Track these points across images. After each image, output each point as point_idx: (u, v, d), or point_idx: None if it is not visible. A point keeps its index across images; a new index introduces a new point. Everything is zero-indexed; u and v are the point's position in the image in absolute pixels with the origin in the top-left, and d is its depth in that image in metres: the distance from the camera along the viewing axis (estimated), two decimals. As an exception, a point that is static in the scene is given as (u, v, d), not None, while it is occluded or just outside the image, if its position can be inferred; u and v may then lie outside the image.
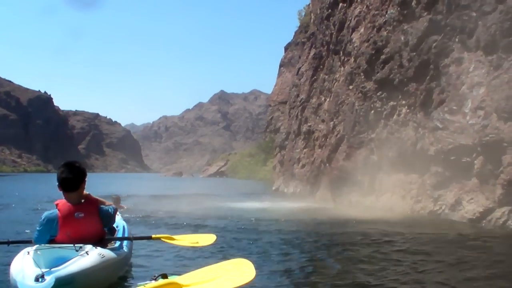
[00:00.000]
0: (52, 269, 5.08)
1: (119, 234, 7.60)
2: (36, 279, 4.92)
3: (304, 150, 30.25)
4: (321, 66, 28.80)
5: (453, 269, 7.95)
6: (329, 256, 9.06)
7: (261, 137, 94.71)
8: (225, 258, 8.17)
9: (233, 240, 10.82)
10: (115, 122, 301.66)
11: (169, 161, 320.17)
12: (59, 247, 5.77)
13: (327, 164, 23.72)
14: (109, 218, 6.60)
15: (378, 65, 18.65)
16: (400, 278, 7.18)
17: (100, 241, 6.33)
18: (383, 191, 18.59)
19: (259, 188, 42.88)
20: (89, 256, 5.62)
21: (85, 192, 6.49)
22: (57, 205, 6.28)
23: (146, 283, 3.76)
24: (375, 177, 19.13)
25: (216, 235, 7.56)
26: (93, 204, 6.40)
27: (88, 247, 5.81)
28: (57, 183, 6.28)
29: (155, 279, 3.86)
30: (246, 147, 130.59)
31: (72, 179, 6.23)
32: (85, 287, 5.39)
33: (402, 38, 17.37)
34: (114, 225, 7.68)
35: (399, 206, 17.31)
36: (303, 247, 10.10)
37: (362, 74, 19.95)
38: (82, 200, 6.35)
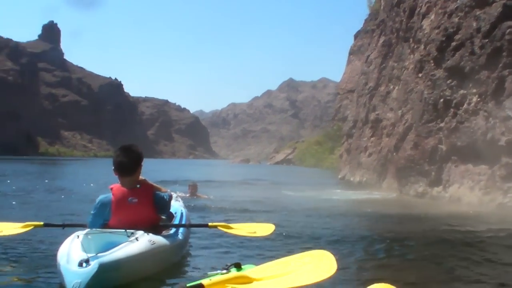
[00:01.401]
0: (98, 254, 5.02)
1: (176, 221, 7.50)
2: (80, 264, 4.86)
3: (372, 138, 29.82)
4: (390, 54, 28.28)
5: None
6: (403, 252, 8.70)
7: (329, 125, 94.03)
8: (290, 250, 8.03)
9: (295, 231, 10.53)
10: (184, 108, 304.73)
11: (237, 148, 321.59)
12: (110, 232, 5.73)
13: (394, 153, 23.29)
14: (164, 205, 6.52)
15: (449, 53, 18.11)
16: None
17: (154, 228, 6.24)
18: (451, 182, 18.13)
19: (325, 176, 42.58)
20: (139, 242, 5.54)
21: (142, 177, 6.42)
22: (111, 189, 6.25)
23: (217, 272, 3.56)
24: (442, 167, 18.67)
25: (276, 225, 7.42)
26: (148, 190, 6.33)
27: (140, 233, 5.74)
28: (112, 167, 6.22)
29: (227, 269, 3.64)
30: (314, 135, 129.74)
31: (127, 163, 6.19)
32: (132, 274, 5.34)
33: (474, 24, 16.82)
34: (173, 212, 7.60)
35: (467, 197, 16.87)
36: (373, 242, 9.78)
37: (432, 61, 19.43)
38: (138, 186, 6.28)
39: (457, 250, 8.45)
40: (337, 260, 3.20)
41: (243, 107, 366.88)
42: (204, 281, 2.87)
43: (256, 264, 3.77)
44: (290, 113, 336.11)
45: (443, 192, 18.54)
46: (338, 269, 5.94)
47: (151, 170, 44.82)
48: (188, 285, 2.77)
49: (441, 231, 10.55)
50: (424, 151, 19.62)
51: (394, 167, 23.37)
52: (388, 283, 2.30)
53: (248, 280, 3.04)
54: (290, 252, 3.71)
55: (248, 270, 3.42)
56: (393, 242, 9.25)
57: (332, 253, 3.40)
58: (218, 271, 3.54)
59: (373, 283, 2.30)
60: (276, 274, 3.17)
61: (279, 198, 19.40)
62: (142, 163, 6.38)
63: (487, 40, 16.06)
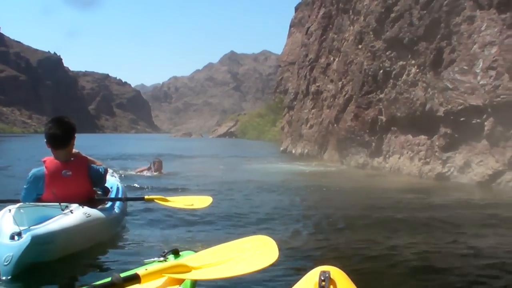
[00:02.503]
0: (31, 227, 4.86)
1: (112, 195, 7.34)
2: (12, 237, 4.71)
3: (312, 110, 29.92)
4: (330, 26, 28.34)
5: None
6: (348, 227, 8.66)
7: (270, 97, 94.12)
8: (232, 227, 7.92)
9: (235, 207, 10.37)
10: (125, 82, 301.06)
11: (179, 121, 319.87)
12: (44, 206, 5.55)
13: (335, 125, 23.43)
14: (99, 178, 6.33)
15: (388, 24, 18.19)
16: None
17: (89, 201, 6.08)
18: (391, 153, 18.33)
19: (267, 148, 42.68)
20: (73, 215, 5.41)
21: (75, 150, 6.23)
22: (44, 162, 6.03)
23: (154, 260, 3.43)
24: (383, 138, 18.86)
25: (213, 198, 7.31)
26: (82, 163, 6.15)
27: (74, 206, 5.60)
28: (45, 140, 6.02)
29: (164, 256, 3.51)
30: (256, 108, 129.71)
31: (60, 136, 5.97)
32: (65, 246, 5.20)
33: (413, -5, 16.89)
34: (109, 186, 7.45)
35: (407, 167, 17.09)
36: (316, 218, 9.72)
37: (371, 33, 19.50)
38: (72, 158, 6.09)
39: (399, 225, 8.40)
40: (279, 244, 3.11)
41: (184, 81, 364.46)
42: (140, 271, 2.73)
43: (195, 250, 3.66)
44: (231, 86, 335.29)
45: (384, 163, 18.76)
46: (281, 254, 5.92)
47: (94, 145, 44.43)
48: (122, 275, 2.63)
49: (384, 207, 10.53)
50: (364, 122, 19.77)
51: (335, 138, 23.54)
52: (333, 265, 2.22)
53: (186, 269, 2.92)
54: (228, 234, 3.59)
55: (186, 257, 3.29)
56: (336, 220, 9.23)
57: (273, 236, 3.28)
58: (155, 259, 3.42)
59: (316, 266, 2.22)
60: (216, 262, 3.05)
61: (213, 172, 19.34)
62: (75, 135, 6.18)
63: (425, 11, 16.14)
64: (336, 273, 2.18)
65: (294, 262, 5.97)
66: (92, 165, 6.30)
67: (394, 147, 18.13)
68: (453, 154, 15.11)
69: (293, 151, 32.99)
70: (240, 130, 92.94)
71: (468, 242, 7.03)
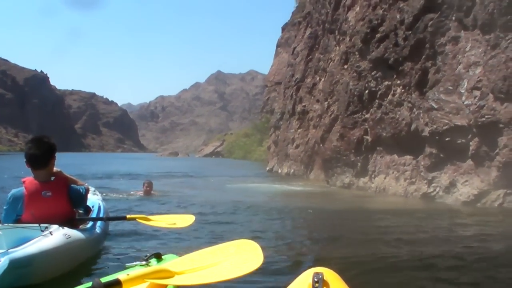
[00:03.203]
0: (9, 250, 4.72)
1: (93, 214, 7.24)
2: None
3: (299, 130, 29.96)
4: (317, 46, 28.48)
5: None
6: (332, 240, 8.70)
7: (257, 117, 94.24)
8: (214, 239, 7.87)
9: (220, 223, 10.38)
10: (112, 101, 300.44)
11: (165, 141, 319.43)
12: (23, 227, 5.39)
13: (321, 145, 23.41)
14: (80, 198, 6.21)
15: (373, 44, 18.24)
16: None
17: (69, 222, 5.97)
18: (376, 172, 18.32)
19: (253, 168, 42.59)
20: (53, 237, 5.28)
21: (57, 169, 6.15)
22: (24, 182, 5.91)
23: (136, 264, 3.36)
24: (368, 158, 18.84)
25: (196, 217, 7.26)
26: (62, 183, 6.03)
27: (54, 227, 5.48)
28: (24, 160, 5.93)
29: (146, 260, 3.44)
30: (243, 128, 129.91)
31: (39, 156, 5.85)
32: (46, 270, 5.08)
33: (398, 16, 16.95)
34: (90, 205, 7.36)
35: (393, 187, 17.07)
36: (291, 225, 9.75)
37: (357, 53, 19.55)
38: (52, 178, 6.00)
39: (385, 242, 8.43)
40: (263, 250, 3.06)
41: (171, 100, 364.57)
42: (121, 276, 2.66)
43: (178, 255, 3.60)
44: (218, 105, 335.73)
45: (369, 183, 18.73)
46: (266, 261, 5.91)
47: (81, 164, 44.29)
48: (103, 280, 2.57)
49: (370, 224, 10.57)
50: (350, 142, 19.75)
51: (321, 158, 23.52)
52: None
53: (169, 274, 2.85)
54: (212, 243, 3.54)
55: (169, 262, 3.23)
56: (319, 238, 9.23)
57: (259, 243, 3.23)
58: (137, 263, 3.36)
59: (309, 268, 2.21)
60: (199, 267, 2.97)
61: (199, 191, 19.23)
62: (55, 155, 6.06)
63: (410, 32, 16.21)
64: (329, 274, 2.17)
65: (283, 266, 5.99)
66: (73, 185, 6.18)
67: (380, 167, 18.12)
68: (438, 174, 15.10)
69: (279, 171, 32.96)
70: (227, 150, 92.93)
71: (455, 254, 7.05)
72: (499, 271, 6.31)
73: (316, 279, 2.07)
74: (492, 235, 9.09)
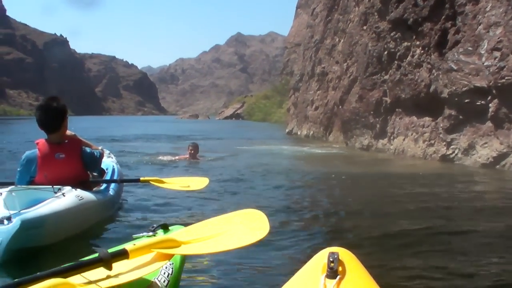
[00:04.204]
0: (21, 211, 4.75)
1: (107, 177, 7.29)
2: (1, 221, 4.59)
3: (318, 92, 29.83)
4: (336, 7, 28.18)
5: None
6: (343, 209, 8.63)
7: (277, 79, 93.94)
8: (231, 206, 7.81)
9: (235, 188, 10.36)
10: (132, 64, 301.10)
11: (185, 103, 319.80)
12: (36, 189, 5.42)
13: (340, 106, 23.34)
14: (93, 161, 6.24)
15: (392, 5, 18.01)
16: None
17: (82, 184, 6.00)
18: (395, 134, 18.25)
19: (273, 130, 42.55)
20: (65, 198, 5.31)
21: (71, 132, 6.16)
22: (37, 144, 5.94)
23: (143, 235, 3.38)
24: (387, 119, 18.76)
25: (211, 182, 7.27)
26: (76, 145, 6.06)
27: (67, 188, 5.51)
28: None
29: (153, 231, 3.45)
30: (263, 90, 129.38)
31: (48, 121, 5.85)
32: (58, 231, 5.12)
33: (418, -24, 16.72)
34: (104, 167, 7.39)
35: (412, 149, 17.02)
36: (304, 199, 9.68)
37: (376, 14, 19.34)
38: (65, 141, 6.01)
39: (406, 210, 8.32)
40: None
41: (191, 62, 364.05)
42: (128, 246, 2.68)
43: (184, 224, 3.61)
44: (238, 67, 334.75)
45: (388, 145, 18.68)
46: (280, 238, 5.89)
47: (101, 127, 44.52)
48: (110, 251, 2.58)
49: (390, 191, 10.42)
50: (369, 103, 19.66)
51: (340, 120, 23.48)
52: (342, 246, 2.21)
53: (175, 244, 2.86)
54: (223, 213, 3.53)
55: (175, 232, 3.24)
56: (338, 204, 9.19)
57: (265, 212, 3.22)
58: (144, 234, 3.36)
59: (316, 246, 2.22)
60: (206, 236, 2.98)
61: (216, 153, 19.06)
62: (67, 116, 6.03)
63: (430, -9, 15.99)
64: (345, 254, 2.17)
65: (300, 244, 5.94)
66: (86, 148, 6.22)
67: (399, 128, 18.04)
68: (457, 136, 15.00)
69: (299, 133, 32.94)
70: (247, 112, 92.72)
71: (477, 224, 6.99)
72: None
73: (331, 259, 2.07)
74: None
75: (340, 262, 2.08)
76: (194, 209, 7.60)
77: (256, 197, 9.12)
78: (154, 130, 42.73)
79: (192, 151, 15.43)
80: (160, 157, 16.00)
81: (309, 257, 2.22)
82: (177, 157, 15.78)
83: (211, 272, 4.78)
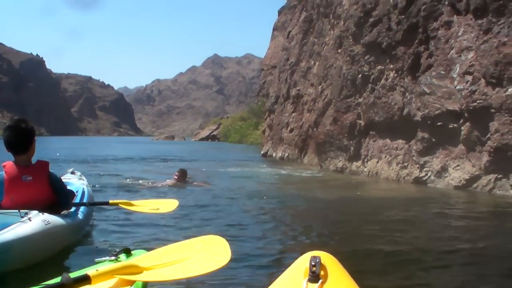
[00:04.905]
0: None
1: (77, 200, 7.20)
2: None
3: (293, 114, 29.90)
4: (311, 30, 28.34)
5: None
6: (310, 232, 8.68)
7: (253, 101, 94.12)
8: (201, 230, 7.77)
9: (207, 211, 10.20)
10: (108, 85, 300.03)
11: (162, 124, 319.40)
12: (2, 213, 5.32)
13: (315, 129, 23.43)
14: (61, 184, 6.14)
15: (367, 28, 18.20)
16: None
17: (50, 207, 5.87)
18: (369, 157, 18.36)
19: (248, 152, 42.55)
20: (31, 223, 5.20)
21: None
22: (4, 166, 5.82)
23: (105, 259, 3.37)
24: (361, 142, 18.89)
25: (183, 203, 7.25)
26: (43, 168, 5.94)
27: (34, 213, 5.39)
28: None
29: (116, 255, 3.44)
30: (239, 111, 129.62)
31: (16, 143, 5.75)
32: (24, 256, 5.03)
33: (391, 0, 16.91)
34: (74, 190, 7.32)
35: (385, 172, 17.12)
36: (285, 212, 9.70)
37: (350, 37, 19.52)
38: (33, 162, 5.94)
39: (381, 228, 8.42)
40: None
41: (167, 83, 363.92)
42: (90, 272, 2.67)
43: (147, 249, 3.61)
44: (215, 89, 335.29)
45: (362, 167, 18.79)
46: (261, 249, 5.93)
47: (76, 147, 44.21)
48: (72, 276, 2.58)
49: (365, 214, 10.48)
50: (343, 126, 19.78)
51: (315, 142, 23.56)
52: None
53: (137, 270, 2.86)
54: (196, 235, 3.53)
55: (138, 257, 3.23)
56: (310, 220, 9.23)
57: (227, 237, 3.24)
58: (106, 258, 3.36)
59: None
60: (168, 262, 2.98)
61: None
62: (35, 138, 5.94)
63: (403, 16, 16.18)
64: (327, 258, 2.18)
65: (280, 251, 5.99)
66: (52, 171, 6.13)
67: (373, 151, 18.16)
68: (430, 158, 15.14)
69: (274, 155, 32.94)
70: (223, 134, 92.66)
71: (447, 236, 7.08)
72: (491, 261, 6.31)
73: (313, 263, 2.09)
74: (482, 226, 9.09)
75: (322, 266, 2.10)
76: (160, 233, 7.50)
77: (228, 219, 9.08)
78: (129, 151, 42.59)
79: (176, 177, 14.97)
80: (144, 182, 15.47)
81: (291, 261, 2.25)
82: (164, 183, 15.10)
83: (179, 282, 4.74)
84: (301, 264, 2.17)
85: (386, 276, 5.10)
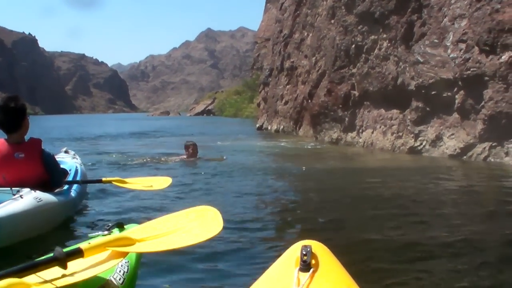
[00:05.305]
0: None
1: (70, 178, 7.17)
2: None
3: (287, 86, 29.82)
4: (304, 1, 28.15)
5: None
6: (305, 203, 8.67)
7: (248, 74, 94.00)
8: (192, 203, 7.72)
9: (196, 184, 10.23)
10: (102, 62, 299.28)
11: (156, 100, 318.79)
12: None
13: (309, 100, 23.37)
14: (53, 161, 6.09)
15: (359, -2, 18.10)
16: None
17: (43, 185, 5.82)
18: (364, 127, 18.35)
19: (243, 126, 42.48)
20: (23, 200, 5.18)
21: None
22: None
23: (98, 234, 3.35)
24: (356, 113, 18.86)
25: (176, 178, 7.23)
26: (36, 145, 5.86)
27: (25, 190, 5.37)
28: None
29: (109, 230, 3.42)
30: (234, 85, 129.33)
31: (8, 121, 5.67)
32: (14, 233, 5.02)
33: (384, -31, 16.79)
34: (67, 168, 7.29)
35: (380, 142, 17.12)
36: (277, 194, 9.62)
37: (343, 7, 19.38)
38: (26, 140, 5.85)
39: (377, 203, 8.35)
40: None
41: (161, 59, 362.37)
42: (83, 245, 2.66)
43: (140, 223, 3.59)
44: (209, 63, 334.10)
45: (357, 138, 18.79)
46: (253, 233, 5.89)
47: (71, 125, 44.12)
48: (65, 250, 2.56)
49: (361, 187, 10.36)
50: (338, 97, 19.73)
51: (309, 114, 23.53)
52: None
53: (130, 242, 2.84)
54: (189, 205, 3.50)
55: (130, 230, 3.22)
56: (308, 198, 9.19)
57: (220, 208, 3.21)
58: (99, 233, 3.34)
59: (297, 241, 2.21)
60: (160, 234, 2.97)
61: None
62: (27, 116, 5.84)
63: (395, -16, 16.07)
64: (318, 247, 2.18)
65: (273, 239, 5.95)
66: (46, 149, 6.08)
67: (367, 121, 18.14)
68: (425, 127, 15.14)
69: (269, 128, 32.93)
70: (218, 108, 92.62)
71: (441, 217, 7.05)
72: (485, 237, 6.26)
73: (304, 252, 2.08)
74: (478, 194, 9.05)
75: (313, 255, 2.09)
76: (153, 208, 7.44)
77: (225, 194, 9.06)
78: (124, 128, 42.58)
79: (192, 151, 14.38)
80: (158, 158, 15.06)
81: (282, 251, 2.24)
82: (177, 158, 14.66)
83: (172, 269, 4.72)
84: (292, 253, 2.17)
85: (378, 264, 5.03)
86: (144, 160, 14.58)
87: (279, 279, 2.09)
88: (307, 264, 2.06)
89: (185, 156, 14.42)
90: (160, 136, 30.32)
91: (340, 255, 2.25)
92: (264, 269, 2.22)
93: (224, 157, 15.21)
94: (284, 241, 5.59)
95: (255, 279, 2.17)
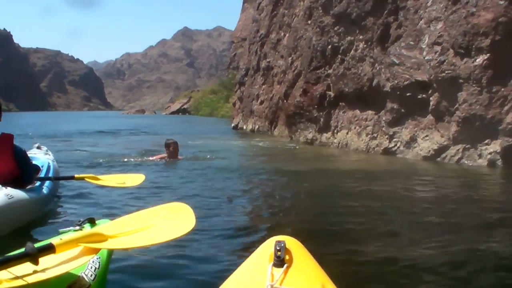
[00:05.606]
0: None
1: (42, 174, 7.12)
2: None
3: (263, 86, 29.87)
4: (281, 1, 28.24)
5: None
6: (277, 195, 8.71)
7: (224, 74, 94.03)
8: (165, 200, 7.68)
9: (171, 181, 10.27)
10: (77, 59, 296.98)
11: (132, 98, 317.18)
12: None
13: (285, 100, 23.40)
14: (25, 157, 6.04)
15: (336, -1, 18.15)
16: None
17: (15, 182, 5.78)
18: (339, 128, 18.40)
19: (219, 125, 42.49)
20: None
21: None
22: None
23: (69, 229, 3.32)
24: (331, 113, 18.90)
25: (149, 177, 7.19)
26: (7, 140, 5.79)
27: None
28: None
29: (80, 225, 3.40)
30: (210, 84, 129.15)
31: None
32: None
33: (361, -30, 16.85)
34: (40, 165, 7.22)
35: (355, 142, 17.18)
36: (253, 192, 9.63)
37: (320, 8, 19.43)
38: None
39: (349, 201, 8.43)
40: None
41: (137, 57, 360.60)
42: (55, 241, 2.64)
43: (111, 219, 3.55)
44: (185, 62, 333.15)
45: (332, 138, 18.83)
46: (226, 230, 5.88)
47: (45, 122, 43.73)
48: (37, 246, 2.53)
49: (335, 187, 10.41)
50: (313, 97, 19.76)
51: (285, 114, 23.56)
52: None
53: (102, 238, 2.82)
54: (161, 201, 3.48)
55: (102, 226, 3.19)
56: (281, 195, 9.20)
57: (192, 205, 3.18)
58: (71, 228, 3.31)
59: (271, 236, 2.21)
60: (132, 230, 2.94)
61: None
62: (1, 112, 5.74)
63: (372, -14, 16.14)
64: (292, 242, 2.19)
65: (245, 236, 5.94)
66: (17, 144, 6.01)
67: (342, 122, 18.19)
68: (399, 129, 15.22)
69: (244, 127, 32.95)
70: (194, 107, 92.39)
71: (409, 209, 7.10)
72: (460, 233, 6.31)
73: (278, 247, 2.09)
74: (450, 197, 9.10)
75: (287, 251, 2.10)
76: (126, 204, 7.41)
77: (199, 191, 9.03)
78: (99, 126, 42.21)
79: (172, 149, 13.96)
80: (135, 158, 14.64)
81: (256, 246, 2.24)
82: (154, 157, 14.30)
83: (144, 265, 4.69)
84: (266, 248, 2.17)
85: (351, 257, 5.07)
86: (126, 160, 14.26)
87: (253, 274, 2.09)
88: (281, 259, 2.06)
89: (165, 155, 14.13)
90: (135, 134, 30.19)
91: (313, 250, 2.26)
92: (237, 265, 2.20)
93: (208, 156, 15.20)
94: (258, 237, 5.60)
95: (229, 275, 2.15)
